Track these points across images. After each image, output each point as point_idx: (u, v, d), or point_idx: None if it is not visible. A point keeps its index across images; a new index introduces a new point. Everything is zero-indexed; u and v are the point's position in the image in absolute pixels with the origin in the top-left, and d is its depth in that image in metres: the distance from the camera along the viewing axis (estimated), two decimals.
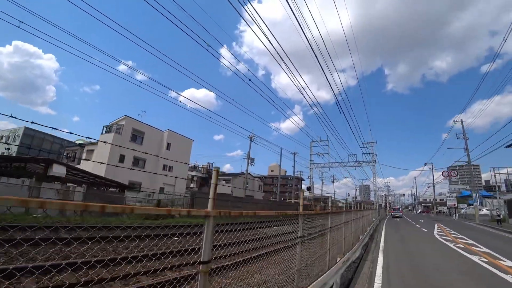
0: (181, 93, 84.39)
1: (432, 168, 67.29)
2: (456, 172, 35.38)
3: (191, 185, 56.94)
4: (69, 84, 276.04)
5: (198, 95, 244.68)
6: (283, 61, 10.99)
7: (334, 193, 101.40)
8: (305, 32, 9.98)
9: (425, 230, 20.62)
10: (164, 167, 41.36)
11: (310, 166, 43.74)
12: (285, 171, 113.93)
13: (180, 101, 44.08)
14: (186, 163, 35.67)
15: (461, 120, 37.68)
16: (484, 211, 42.73)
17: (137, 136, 39.59)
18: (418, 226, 25.04)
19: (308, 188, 42.47)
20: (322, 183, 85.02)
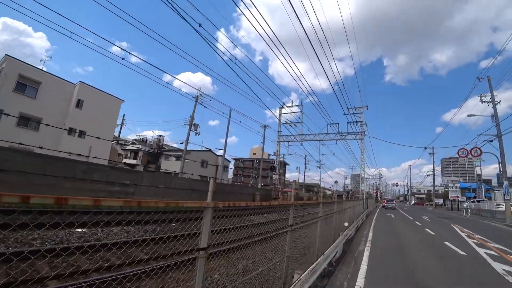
0: (177, 76, 71.18)
1: (433, 154, 56.76)
2: (479, 151, 24.27)
3: (135, 161, 45.38)
4: (61, 64, 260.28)
5: (194, 79, 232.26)
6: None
7: (320, 180, 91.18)
8: (300, 19, 9.39)
9: (462, 252, 9.37)
10: (71, 131, 29.61)
11: (278, 140, 32.32)
12: (268, 155, 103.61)
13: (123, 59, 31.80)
14: (105, 139, 24.43)
15: (488, 78, 26.43)
16: None
17: (27, 86, 27.54)
18: (430, 232, 13.97)
19: (273, 168, 31.15)
20: (306, 168, 74.21)
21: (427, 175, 62.47)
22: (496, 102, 25.25)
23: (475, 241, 11.36)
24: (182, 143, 30.08)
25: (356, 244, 9.74)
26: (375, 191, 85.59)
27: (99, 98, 32.24)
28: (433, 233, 13.15)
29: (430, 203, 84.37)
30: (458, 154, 26.19)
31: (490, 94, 25.93)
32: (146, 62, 29.85)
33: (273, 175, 29.98)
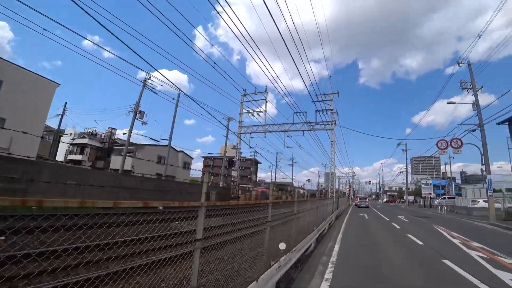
0: (152, 73, 64.57)
1: (406, 150, 55.44)
2: (459, 142, 21.76)
3: (81, 157, 39.75)
4: (26, 57, 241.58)
5: (169, 77, 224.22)
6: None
7: (292, 179, 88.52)
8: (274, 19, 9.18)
9: (483, 285, 5.91)
10: None
11: (239, 131, 28.43)
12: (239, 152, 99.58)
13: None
14: (23, 131, 19.73)
15: (468, 62, 24.07)
16: (481, 203, 30.31)
17: None
18: (416, 240, 10.57)
19: (231, 163, 27.23)
20: (277, 166, 71.00)
21: (400, 172, 61.41)
22: (477, 89, 22.90)
23: (481, 254, 8.05)
24: (125, 133, 25.42)
25: (310, 269, 6.05)
26: (348, 189, 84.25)
27: (24, 79, 26.65)
28: (421, 243, 9.74)
29: (402, 200, 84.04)
30: (437, 146, 23.64)
31: (470, 81, 23.62)
32: (119, 57, 25.19)
33: (232, 171, 26.12)
